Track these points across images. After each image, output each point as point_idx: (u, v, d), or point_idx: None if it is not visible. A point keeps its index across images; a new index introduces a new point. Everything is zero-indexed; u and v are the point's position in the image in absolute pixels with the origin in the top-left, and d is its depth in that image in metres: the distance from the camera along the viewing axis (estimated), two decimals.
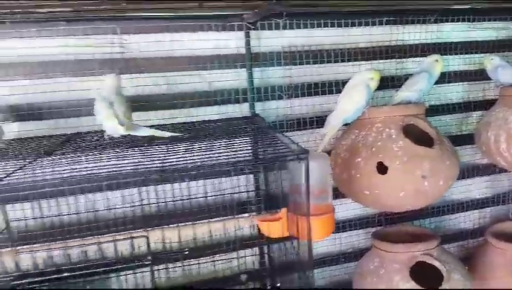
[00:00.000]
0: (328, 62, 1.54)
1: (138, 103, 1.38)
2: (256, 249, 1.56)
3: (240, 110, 1.48)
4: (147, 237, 0.84)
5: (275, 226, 1.05)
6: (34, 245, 0.88)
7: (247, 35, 1.43)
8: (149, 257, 0.85)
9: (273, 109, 1.52)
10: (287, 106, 1.53)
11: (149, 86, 1.39)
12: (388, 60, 1.61)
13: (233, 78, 1.46)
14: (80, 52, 1.32)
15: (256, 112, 1.47)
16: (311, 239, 0.87)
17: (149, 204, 1.39)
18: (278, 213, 1.09)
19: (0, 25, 1.23)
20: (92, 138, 1.20)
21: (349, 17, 1.51)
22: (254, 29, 1.43)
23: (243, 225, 1.07)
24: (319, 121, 1.55)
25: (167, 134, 1.13)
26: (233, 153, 0.95)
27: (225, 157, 0.96)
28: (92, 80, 1.33)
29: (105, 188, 0.85)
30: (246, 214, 1.45)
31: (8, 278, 0.81)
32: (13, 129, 1.30)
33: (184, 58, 1.40)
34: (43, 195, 1.14)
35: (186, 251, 0.95)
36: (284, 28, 1.45)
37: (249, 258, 1.55)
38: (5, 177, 0.82)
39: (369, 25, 1.54)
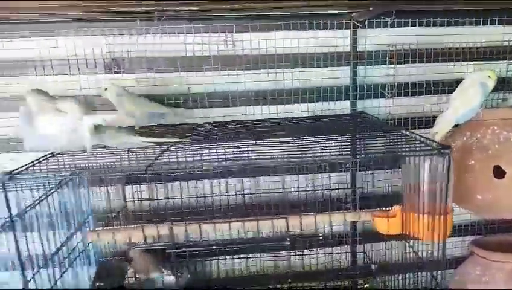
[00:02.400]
0: (434, 62, 1.50)
1: (245, 98, 1.46)
2: (347, 247, 1.58)
3: (341, 107, 1.50)
4: (287, 220, 0.89)
5: (390, 223, 1.06)
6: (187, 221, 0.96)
7: (354, 34, 1.44)
8: (288, 238, 0.89)
9: (374, 108, 1.51)
10: (389, 105, 1.52)
11: (256, 82, 1.45)
12: (498, 61, 1.53)
13: (336, 76, 1.48)
14: (196, 50, 1.42)
15: (358, 110, 1.48)
16: (445, 239, 0.86)
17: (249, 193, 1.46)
18: (390, 210, 1.09)
19: (130, 22, 1.36)
20: (210, 128, 1.28)
21: (459, 15, 1.46)
22: (362, 27, 1.44)
23: (350, 219, 1.08)
24: (420, 121, 1.52)
25: None
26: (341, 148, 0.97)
27: (344, 152, 0.99)
28: (207, 75, 1.42)
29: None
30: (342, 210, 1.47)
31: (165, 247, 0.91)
32: None
33: (289, 56, 1.44)
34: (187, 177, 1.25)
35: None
36: (392, 26, 1.44)
37: (336, 255, 1.57)
38: (154, 160, 0.91)
39: (479, 24, 1.48)
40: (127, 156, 0.98)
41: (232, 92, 1.44)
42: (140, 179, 1.44)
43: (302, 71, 1.46)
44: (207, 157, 0.98)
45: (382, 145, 0.96)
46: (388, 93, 1.50)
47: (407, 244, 1.08)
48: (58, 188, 1.06)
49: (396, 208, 1.08)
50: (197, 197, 1.31)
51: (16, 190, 0.88)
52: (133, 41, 1.39)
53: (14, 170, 0.84)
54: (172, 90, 1.42)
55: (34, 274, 0.94)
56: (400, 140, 0.98)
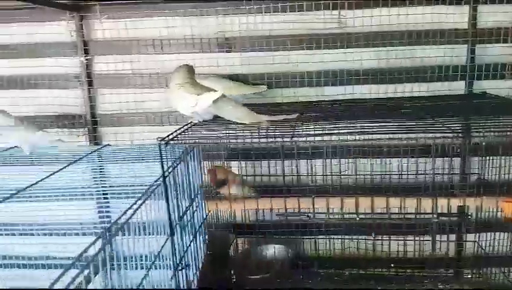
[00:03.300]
0: None
1: (353, 77, 1.43)
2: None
3: (455, 88, 1.42)
4: (435, 200, 0.87)
5: None
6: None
7: (474, 9, 1.36)
8: (435, 215, 0.87)
9: (491, 89, 1.42)
10: (509, 86, 1.42)
11: (365, 60, 1.42)
12: None
13: (450, 55, 1.40)
14: (300, 28, 1.41)
15: (478, 91, 1.40)
16: None
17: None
18: None
19: (237, 1, 1.38)
20: (323, 107, 1.28)
21: None
22: (482, 2, 1.35)
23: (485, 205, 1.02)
24: None
25: None
26: None
27: None
28: (316, 53, 1.42)
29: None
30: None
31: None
32: None
33: (399, 33, 1.40)
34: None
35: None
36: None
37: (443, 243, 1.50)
38: (294, 133, 0.91)
39: None
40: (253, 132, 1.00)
41: (340, 71, 1.43)
42: (245, 155, 1.47)
43: (414, 49, 1.41)
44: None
45: None
46: (509, 73, 1.40)
47: None
48: (184, 158, 1.10)
49: None
50: (325, 175, 1.32)
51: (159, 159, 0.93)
52: (243, 21, 1.42)
53: (166, 137, 0.90)
54: (281, 69, 1.44)
55: (167, 239, 0.99)
56: None
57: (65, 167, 1.18)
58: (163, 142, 0.86)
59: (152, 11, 1.41)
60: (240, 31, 1.43)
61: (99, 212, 1.25)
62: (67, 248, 1.38)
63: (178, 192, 1.05)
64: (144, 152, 1.28)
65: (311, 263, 1.51)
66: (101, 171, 1.24)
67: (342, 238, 1.41)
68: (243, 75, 1.44)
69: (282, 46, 1.42)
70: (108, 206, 1.23)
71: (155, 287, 0.95)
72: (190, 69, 1.11)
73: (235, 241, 1.51)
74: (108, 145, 1.39)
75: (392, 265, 1.48)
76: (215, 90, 1.03)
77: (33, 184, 1.06)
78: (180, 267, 0.95)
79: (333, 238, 1.51)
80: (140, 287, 0.84)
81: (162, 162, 0.88)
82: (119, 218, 0.80)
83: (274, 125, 1.03)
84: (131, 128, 1.50)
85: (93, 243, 0.70)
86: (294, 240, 1.52)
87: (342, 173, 1.43)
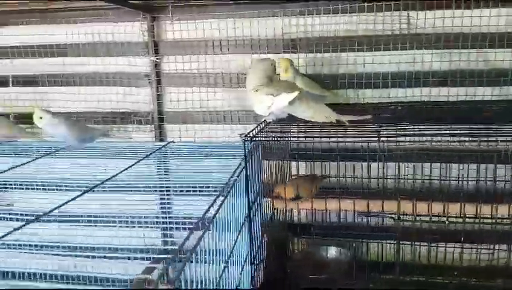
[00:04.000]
0: None
1: (421, 79, 1.40)
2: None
3: None
4: None
5: None
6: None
7: None
8: None
9: None
10: None
11: (432, 62, 1.39)
12: None
13: None
14: (367, 29, 1.40)
15: None
16: None
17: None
18: None
19: (304, 2, 1.39)
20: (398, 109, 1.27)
21: None
22: None
23: None
24: None
25: None
26: None
27: None
28: (383, 55, 1.40)
29: None
30: None
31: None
32: None
33: (471, 35, 1.35)
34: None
35: None
36: None
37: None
38: (379, 135, 0.90)
39: None
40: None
41: (408, 73, 1.40)
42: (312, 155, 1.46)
43: (486, 52, 1.36)
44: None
45: None
46: None
47: None
48: (254, 155, 1.12)
49: None
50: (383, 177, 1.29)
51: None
52: (309, 22, 1.42)
53: (247, 133, 0.92)
54: (346, 70, 1.44)
55: (238, 234, 1.01)
56: None
57: (138, 161, 1.24)
58: (247, 139, 0.89)
59: (220, 12, 1.45)
60: (306, 32, 1.43)
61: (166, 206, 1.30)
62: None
63: (250, 188, 1.07)
64: (208, 149, 1.32)
65: (375, 267, 1.48)
66: (166, 167, 1.29)
67: (428, 245, 1.36)
68: (307, 76, 1.45)
69: (349, 47, 1.41)
70: (170, 201, 1.28)
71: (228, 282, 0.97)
72: (265, 67, 1.12)
73: (293, 241, 1.51)
74: (173, 142, 1.45)
75: (456, 273, 1.43)
76: (292, 89, 1.04)
77: (113, 176, 1.12)
78: (256, 262, 0.97)
79: (417, 245, 1.44)
80: (220, 281, 0.86)
81: (245, 157, 0.90)
82: (207, 212, 0.82)
83: (356, 126, 1.02)
84: (195, 126, 1.54)
85: (188, 236, 0.73)
86: (352, 242, 1.50)
87: (430, 178, 1.37)
